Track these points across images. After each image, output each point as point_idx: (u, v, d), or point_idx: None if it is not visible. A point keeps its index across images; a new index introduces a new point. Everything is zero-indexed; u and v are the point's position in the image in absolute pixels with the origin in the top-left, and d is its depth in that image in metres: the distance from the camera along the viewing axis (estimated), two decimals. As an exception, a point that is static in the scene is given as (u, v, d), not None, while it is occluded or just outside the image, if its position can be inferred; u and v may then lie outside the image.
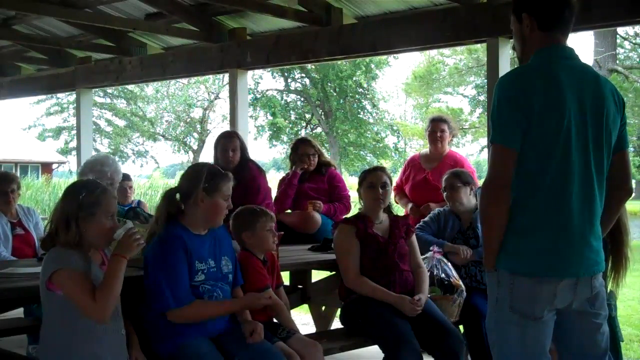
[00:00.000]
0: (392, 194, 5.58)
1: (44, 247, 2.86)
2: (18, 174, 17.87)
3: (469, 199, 4.51)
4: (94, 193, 2.81)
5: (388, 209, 4.18)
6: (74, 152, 31.05)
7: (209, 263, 3.23)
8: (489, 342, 2.70)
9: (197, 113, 38.48)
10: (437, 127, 5.45)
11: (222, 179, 3.28)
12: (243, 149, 5.09)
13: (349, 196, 5.44)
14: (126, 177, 5.97)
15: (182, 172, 3.37)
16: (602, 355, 2.67)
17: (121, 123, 40.30)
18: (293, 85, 34.47)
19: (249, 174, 4.94)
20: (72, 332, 2.74)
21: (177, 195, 3.26)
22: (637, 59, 26.52)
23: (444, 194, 4.59)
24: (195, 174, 3.28)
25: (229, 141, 5.06)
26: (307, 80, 33.62)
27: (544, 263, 2.50)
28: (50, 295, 2.74)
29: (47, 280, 2.72)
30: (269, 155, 33.36)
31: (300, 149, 5.44)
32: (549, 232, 2.50)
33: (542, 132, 2.47)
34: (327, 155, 5.76)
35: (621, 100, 2.64)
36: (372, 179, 4.08)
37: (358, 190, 4.17)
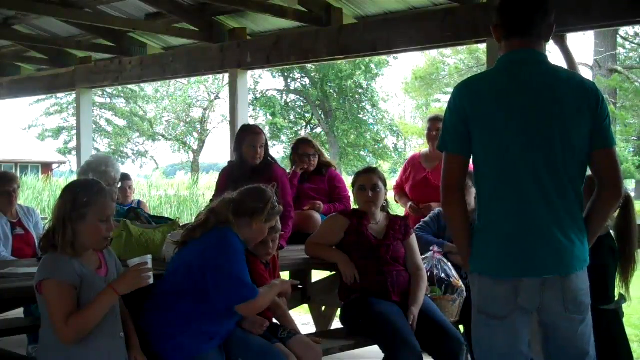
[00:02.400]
0: (392, 194, 5.62)
1: (43, 249, 2.84)
2: (18, 174, 17.87)
3: (472, 200, 4.51)
4: (89, 193, 2.80)
5: (386, 209, 4.18)
6: (74, 152, 31.07)
7: None
8: None
9: (197, 113, 38.51)
10: (433, 126, 5.47)
11: (277, 211, 3.39)
12: (266, 145, 5.05)
13: (349, 197, 5.44)
14: (126, 177, 5.97)
15: (245, 188, 3.42)
16: (580, 357, 2.63)
17: (121, 123, 40.31)
18: (293, 85, 34.49)
19: (272, 171, 4.93)
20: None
21: (232, 207, 3.27)
22: (637, 59, 26.52)
23: None
24: (262, 199, 3.33)
25: (257, 138, 4.96)
26: (307, 80, 33.63)
27: (501, 263, 2.54)
28: (43, 298, 2.74)
29: (37, 286, 2.73)
30: (269, 155, 33.37)
31: (301, 149, 5.44)
32: (505, 233, 2.54)
33: (480, 138, 2.56)
34: (327, 156, 5.75)
35: (593, 97, 2.56)
36: (362, 181, 4.09)
37: (352, 192, 4.19)
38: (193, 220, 3.45)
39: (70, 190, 2.83)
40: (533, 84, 2.55)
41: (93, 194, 2.80)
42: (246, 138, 4.96)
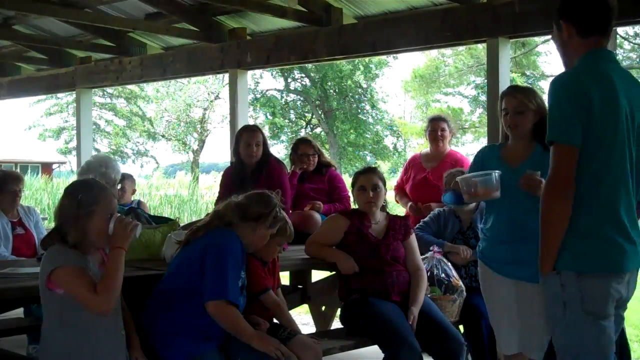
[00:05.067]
0: (393, 193, 5.62)
1: (44, 246, 2.86)
2: (18, 174, 17.84)
3: None
4: (92, 192, 2.83)
5: (385, 209, 4.18)
6: (74, 152, 31.04)
7: (242, 273, 3.30)
8: (558, 347, 2.68)
9: (197, 113, 38.48)
10: (437, 126, 5.46)
11: (281, 219, 3.41)
12: (265, 144, 5.05)
13: (349, 196, 5.44)
14: (126, 177, 5.96)
15: (251, 193, 3.45)
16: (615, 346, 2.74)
17: (121, 123, 40.30)
18: (293, 85, 34.48)
19: (270, 169, 4.94)
20: (72, 332, 2.75)
21: (237, 210, 3.31)
22: (637, 59, 26.51)
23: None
24: (267, 205, 3.36)
25: (253, 135, 4.98)
26: (307, 80, 33.63)
27: (612, 260, 2.56)
28: (50, 294, 2.75)
29: (46, 279, 2.73)
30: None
31: (300, 149, 5.44)
32: (612, 229, 2.56)
33: (602, 129, 2.52)
34: (327, 156, 5.76)
35: None
36: (362, 182, 4.08)
37: (352, 192, 4.19)
38: (194, 220, 3.47)
39: (73, 191, 2.85)
40: (631, 84, 2.64)
41: (97, 192, 2.84)
42: (242, 136, 5.00)
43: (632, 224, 2.61)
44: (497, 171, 3.24)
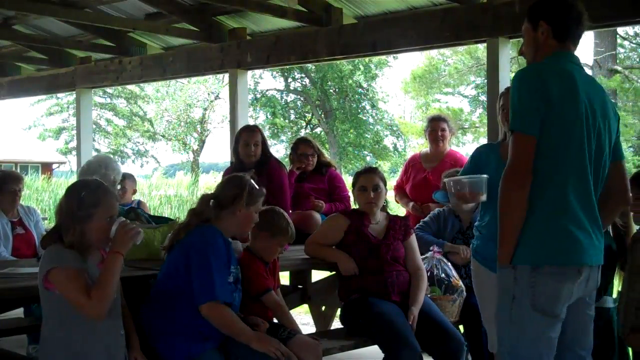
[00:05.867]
0: (393, 194, 5.62)
1: (44, 244, 2.86)
2: (18, 174, 17.81)
3: None
4: (95, 193, 2.82)
5: (385, 209, 4.18)
6: (74, 152, 31.05)
7: (233, 267, 3.27)
8: (498, 337, 2.71)
9: (197, 113, 38.50)
10: (437, 126, 5.46)
11: (259, 193, 3.36)
12: (264, 144, 5.06)
13: (349, 196, 5.44)
14: (127, 177, 5.96)
15: (221, 181, 3.50)
16: (589, 349, 2.77)
17: (121, 123, 40.30)
18: (293, 85, 34.49)
19: (269, 169, 4.94)
20: (71, 331, 2.75)
21: (212, 202, 3.28)
22: (637, 59, 26.51)
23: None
24: (239, 185, 3.33)
25: (252, 135, 5.00)
26: (307, 80, 33.64)
27: (567, 251, 2.56)
28: (48, 294, 2.75)
29: (43, 279, 2.73)
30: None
31: (300, 149, 5.45)
32: (568, 221, 2.56)
33: (560, 122, 2.55)
34: (327, 156, 5.76)
35: (617, 113, 2.79)
36: (363, 182, 4.07)
37: (352, 192, 4.18)
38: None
39: (75, 191, 2.84)
40: (593, 86, 2.71)
41: (99, 194, 2.82)
42: (241, 136, 5.02)
43: (590, 218, 2.61)
44: (484, 175, 3.22)
